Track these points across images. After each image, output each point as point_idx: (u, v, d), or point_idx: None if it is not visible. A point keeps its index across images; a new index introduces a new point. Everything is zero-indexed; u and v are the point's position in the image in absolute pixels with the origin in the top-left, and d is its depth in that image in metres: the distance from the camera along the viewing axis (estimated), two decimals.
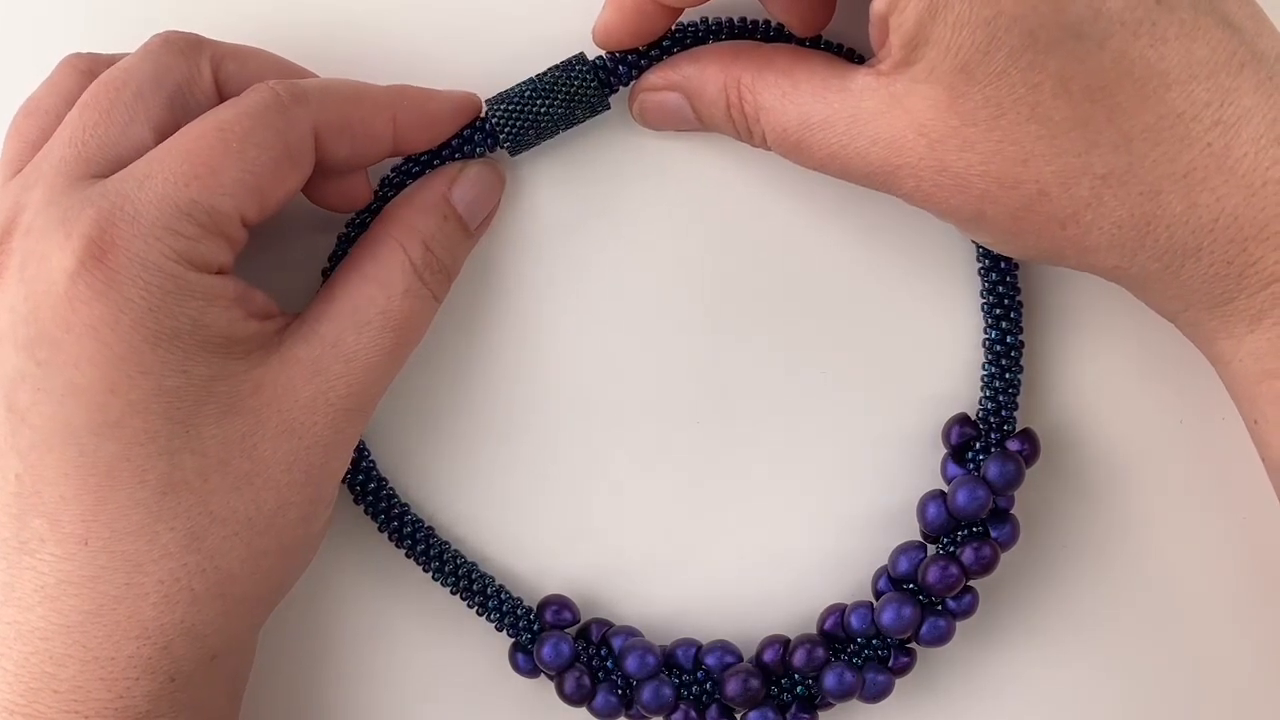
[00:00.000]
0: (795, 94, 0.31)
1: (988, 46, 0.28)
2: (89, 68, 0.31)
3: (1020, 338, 0.34)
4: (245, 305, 0.30)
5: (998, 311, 0.34)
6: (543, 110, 0.33)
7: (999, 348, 0.34)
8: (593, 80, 0.33)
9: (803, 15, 0.33)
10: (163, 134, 0.30)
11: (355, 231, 0.34)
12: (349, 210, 0.34)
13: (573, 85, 0.33)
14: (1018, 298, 0.34)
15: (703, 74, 0.32)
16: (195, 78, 0.31)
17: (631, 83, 0.34)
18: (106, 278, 0.28)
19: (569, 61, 0.33)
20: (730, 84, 0.32)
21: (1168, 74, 0.28)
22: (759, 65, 0.32)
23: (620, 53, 0.33)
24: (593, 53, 0.34)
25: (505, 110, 0.33)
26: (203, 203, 0.29)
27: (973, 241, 0.34)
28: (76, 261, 0.28)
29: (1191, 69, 0.28)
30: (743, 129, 0.32)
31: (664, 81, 0.33)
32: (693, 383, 0.35)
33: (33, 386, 0.28)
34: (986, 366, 0.35)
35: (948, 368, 0.36)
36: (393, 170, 0.34)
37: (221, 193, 0.29)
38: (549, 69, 0.33)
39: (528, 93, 0.33)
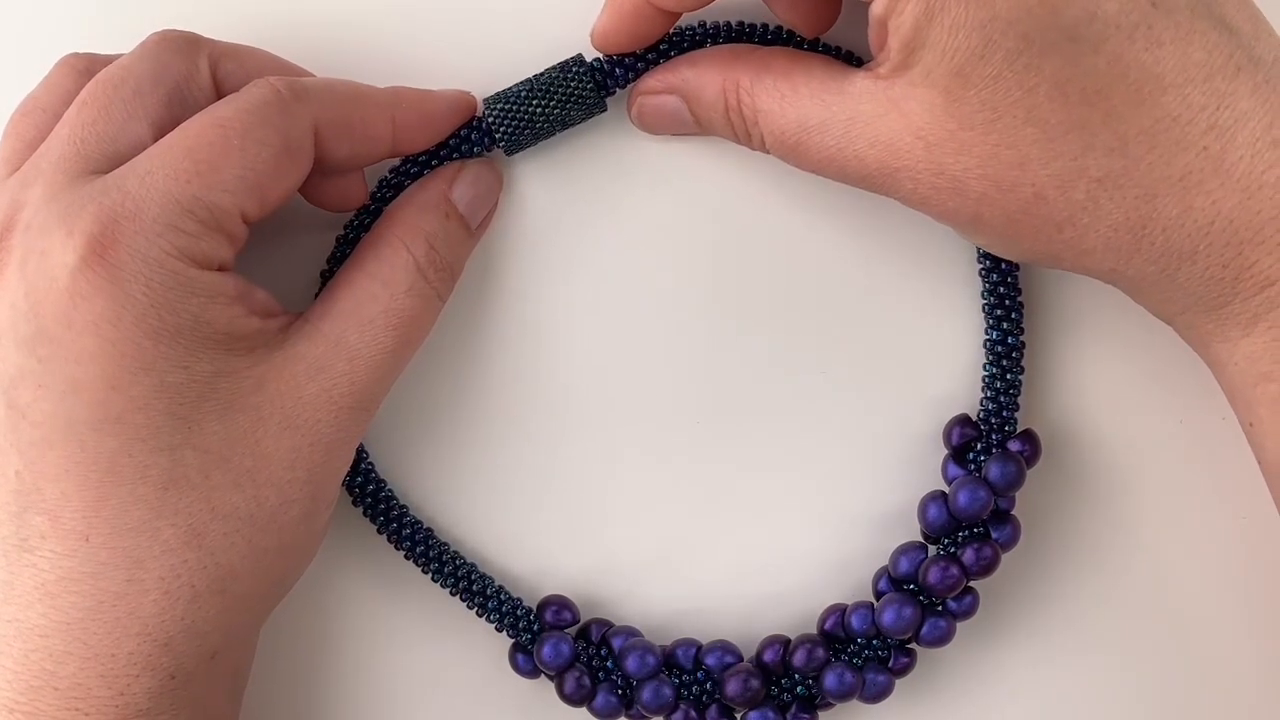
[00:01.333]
0: (794, 97, 0.31)
1: (983, 50, 0.28)
2: (86, 67, 0.32)
3: (1021, 338, 0.35)
4: (246, 302, 0.30)
5: (999, 312, 0.35)
6: (538, 110, 0.34)
7: (1000, 348, 0.35)
8: (589, 81, 0.34)
9: (807, 16, 0.33)
10: (161, 131, 0.30)
11: (354, 233, 0.34)
12: (345, 210, 0.34)
13: (569, 86, 0.34)
14: (1019, 298, 0.35)
15: (701, 77, 0.33)
16: (194, 75, 0.31)
17: (629, 85, 0.34)
18: (108, 274, 0.28)
19: (566, 62, 0.34)
20: (729, 87, 0.32)
21: (1163, 77, 0.28)
22: (757, 68, 0.32)
23: (618, 55, 0.34)
24: (591, 55, 0.34)
25: (501, 109, 0.34)
26: (204, 199, 0.29)
27: None
28: (78, 257, 0.28)
29: (1187, 72, 0.28)
30: (741, 132, 0.33)
31: (662, 85, 0.34)
32: (693, 383, 0.36)
33: (34, 383, 0.28)
34: (987, 367, 0.35)
35: (949, 368, 0.36)
36: (391, 171, 0.34)
37: (223, 189, 0.29)
38: (546, 69, 0.34)
39: (523, 92, 0.34)
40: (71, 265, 0.28)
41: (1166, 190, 0.29)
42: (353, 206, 0.34)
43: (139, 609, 0.29)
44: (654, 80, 0.34)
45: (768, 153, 0.33)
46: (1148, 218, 0.29)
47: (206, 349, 0.29)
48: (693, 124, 0.34)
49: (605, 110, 0.34)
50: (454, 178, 0.34)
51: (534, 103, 0.34)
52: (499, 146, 0.34)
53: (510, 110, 0.34)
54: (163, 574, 0.29)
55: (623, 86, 0.34)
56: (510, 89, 0.34)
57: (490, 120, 0.34)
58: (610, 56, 0.34)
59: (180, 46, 0.31)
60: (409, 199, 0.34)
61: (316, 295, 0.34)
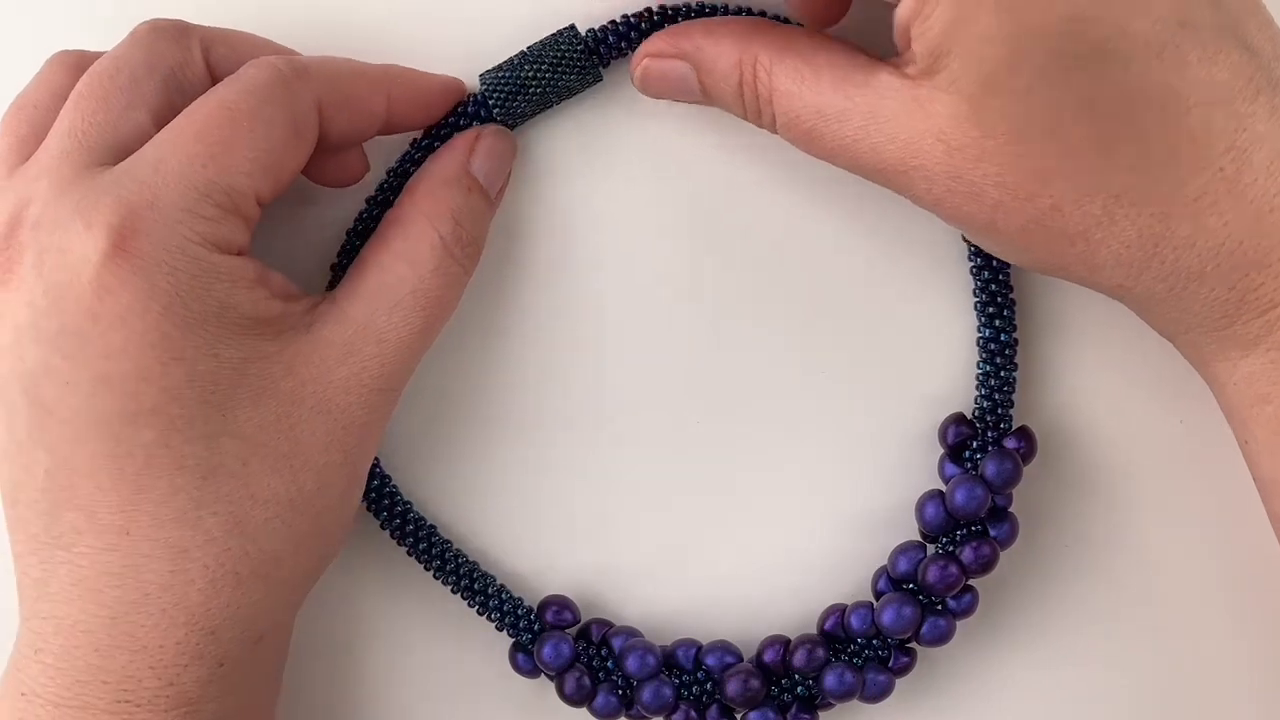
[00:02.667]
0: (815, 82, 0.31)
1: (1013, 62, 0.28)
2: (77, 63, 0.32)
3: (1014, 335, 0.35)
4: (267, 285, 0.30)
5: (990, 310, 0.35)
6: (529, 74, 0.34)
7: (993, 346, 0.35)
8: (580, 45, 0.34)
9: (816, 11, 0.33)
10: (161, 119, 0.31)
11: (376, 209, 0.34)
12: (346, 185, 0.35)
13: (560, 51, 0.34)
14: (1010, 295, 0.35)
15: (717, 47, 0.32)
16: (188, 62, 0.32)
17: (622, 57, 0.35)
18: (132, 265, 0.28)
19: (558, 31, 0.34)
20: (746, 61, 0.32)
21: (1188, 97, 0.28)
22: (779, 46, 0.31)
23: (611, 24, 0.34)
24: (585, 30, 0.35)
25: (493, 77, 0.35)
26: (220, 182, 0.29)
27: (964, 240, 0.35)
28: (101, 251, 0.28)
29: (1212, 93, 0.28)
30: (752, 109, 0.32)
31: (673, 49, 0.33)
32: (691, 383, 0.36)
33: (60, 380, 0.28)
34: (981, 365, 0.35)
35: (943, 367, 0.36)
36: (399, 160, 0.35)
37: (237, 171, 0.29)
38: (539, 40, 0.35)
39: (516, 59, 0.34)
40: (94, 260, 0.28)
41: (1181, 210, 0.29)
42: (354, 181, 0.35)
43: (185, 599, 0.29)
44: (663, 42, 0.33)
45: (774, 133, 0.32)
46: (1160, 236, 0.29)
47: (234, 334, 0.29)
48: (697, 94, 0.33)
49: (601, 80, 0.35)
50: (471, 148, 0.34)
51: (526, 69, 0.34)
52: (495, 118, 0.35)
53: (502, 78, 0.34)
54: (207, 563, 0.29)
55: (616, 56, 0.35)
56: (503, 61, 0.35)
57: (484, 89, 0.34)
58: (605, 25, 0.34)
59: (171, 34, 0.32)
60: (429, 173, 0.34)
61: (330, 274, 0.34)
